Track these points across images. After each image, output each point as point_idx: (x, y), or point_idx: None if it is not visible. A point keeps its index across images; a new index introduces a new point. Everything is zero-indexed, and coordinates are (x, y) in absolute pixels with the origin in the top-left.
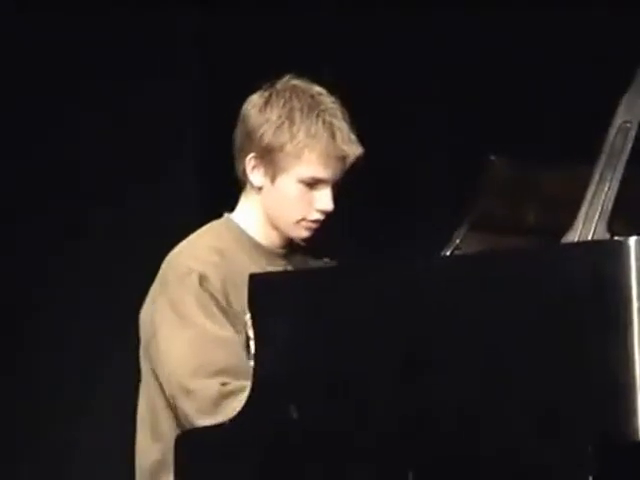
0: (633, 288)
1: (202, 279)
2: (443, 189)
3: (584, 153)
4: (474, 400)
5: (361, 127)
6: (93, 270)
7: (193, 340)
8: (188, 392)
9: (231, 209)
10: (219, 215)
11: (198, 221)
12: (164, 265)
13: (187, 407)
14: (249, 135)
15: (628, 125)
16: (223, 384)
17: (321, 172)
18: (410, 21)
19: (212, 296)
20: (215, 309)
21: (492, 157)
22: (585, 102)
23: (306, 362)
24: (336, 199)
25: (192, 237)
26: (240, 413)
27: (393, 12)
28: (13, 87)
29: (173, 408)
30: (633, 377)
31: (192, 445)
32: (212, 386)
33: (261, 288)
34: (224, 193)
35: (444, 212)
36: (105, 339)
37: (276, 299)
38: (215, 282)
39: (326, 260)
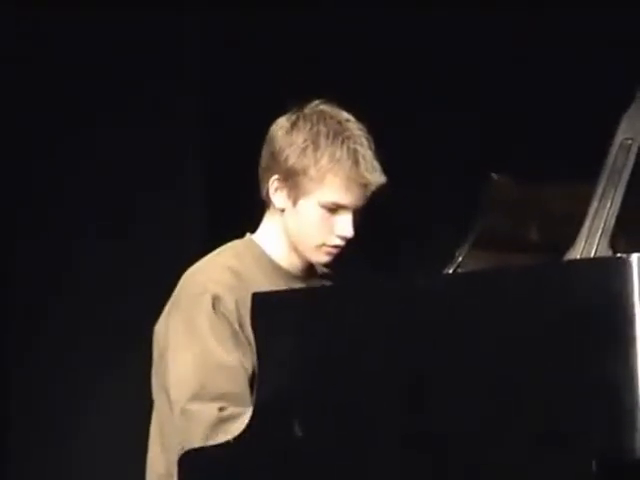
0: (636, 304)
1: (215, 300)
2: (445, 208)
3: (586, 170)
4: (477, 417)
5: None
6: (96, 292)
7: (197, 362)
8: (185, 414)
9: (239, 231)
10: (226, 237)
11: (205, 243)
12: (181, 282)
13: (183, 428)
14: (274, 157)
15: (629, 142)
16: (221, 409)
17: (342, 198)
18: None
19: (225, 318)
20: (226, 332)
21: (494, 175)
22: (587, 119)
23: (309, 380)
24: (357, 226)
25: (211, 255)
26: (244, 431)
27: (395, 16)
28: (12, 107)
29: None
30: (636, 394)
31: (197, 463)
32: (209, 410)
33: (263, 307)
34: (232, 215)
35: (446, 230)
36: (108, 357)
37: (278, 318)
38: (229, 303)
39: None
